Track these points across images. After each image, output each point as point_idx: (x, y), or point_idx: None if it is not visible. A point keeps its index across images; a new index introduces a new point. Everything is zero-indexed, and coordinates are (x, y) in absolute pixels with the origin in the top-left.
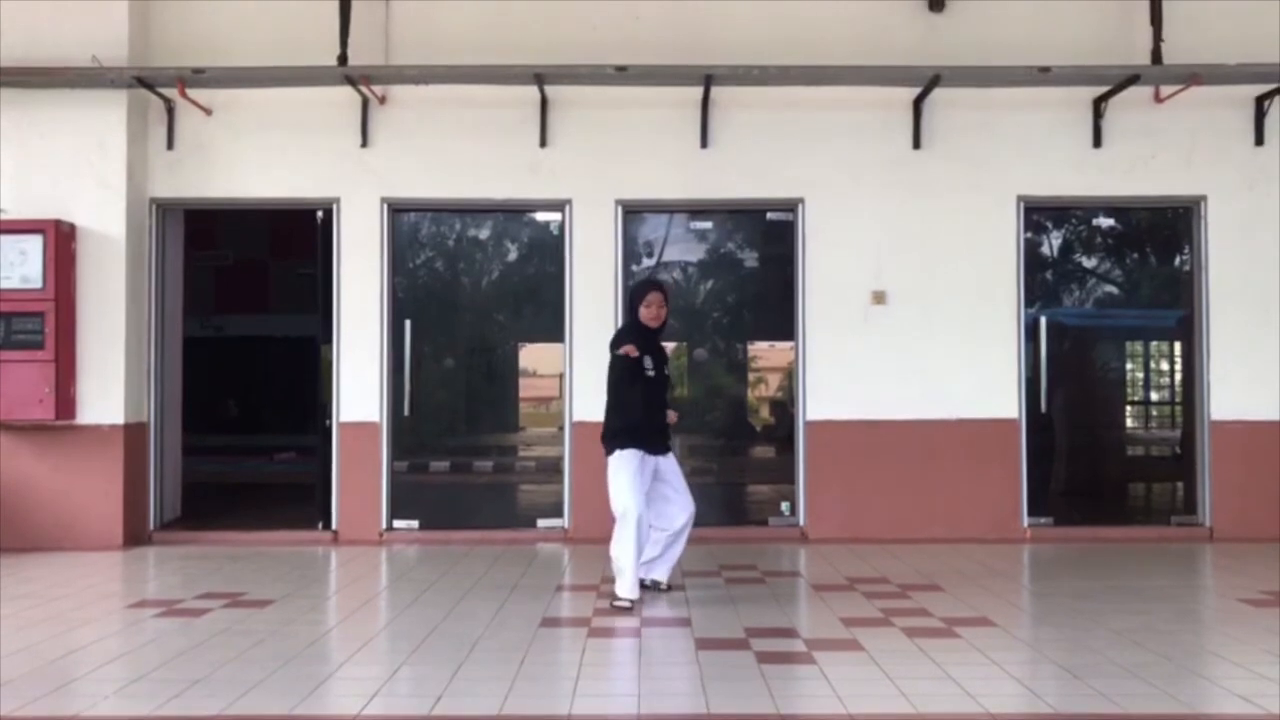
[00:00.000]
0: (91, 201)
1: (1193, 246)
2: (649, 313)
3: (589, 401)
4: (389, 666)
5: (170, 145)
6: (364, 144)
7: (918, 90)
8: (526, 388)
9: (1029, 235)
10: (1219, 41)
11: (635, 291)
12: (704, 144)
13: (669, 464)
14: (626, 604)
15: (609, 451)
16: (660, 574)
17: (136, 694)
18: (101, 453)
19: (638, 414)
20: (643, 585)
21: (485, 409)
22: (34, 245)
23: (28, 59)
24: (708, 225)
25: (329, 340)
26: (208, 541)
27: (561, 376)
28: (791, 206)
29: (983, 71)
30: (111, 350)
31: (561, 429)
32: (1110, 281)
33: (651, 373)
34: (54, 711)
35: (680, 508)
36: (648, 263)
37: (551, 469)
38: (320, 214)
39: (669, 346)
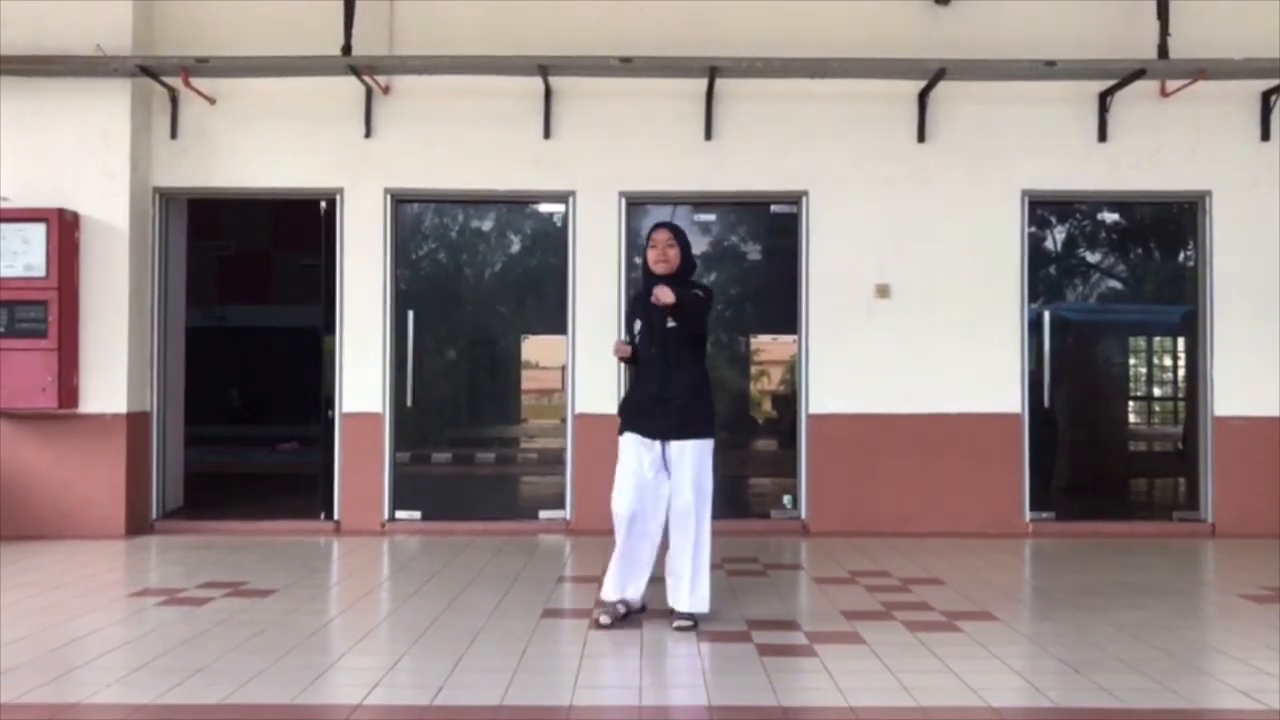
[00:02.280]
0: (95, 190)
1: (1197, 242)
2: (653, 255)
3: (591, 394)
4: (390, 657)
5: (174, 135)
6: (368, 134)
7: (922, 83)
8: (529, 380)
9: (1033, 229)
10: (1225, 37)
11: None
12: (708, 136)
13: (676, 453)
14: (605, 619)
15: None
16: (632, 592)
17: (138, 683)
18: (104, 442)
19: (629, 388)
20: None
21: (487, 401)
22: (37, 234)
23: (32, 48)
24: (711, 218)
25: (332, 331)
26: (210, 531)
27: (564, 369)
28: (795, 199)
29: (988, 65)
30: (114, 339)
31: (564, 421)
32: (1114, 276)
33: (636, 338)
34: (56, 699)
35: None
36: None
37: (554, 461)
38: (323, 204)
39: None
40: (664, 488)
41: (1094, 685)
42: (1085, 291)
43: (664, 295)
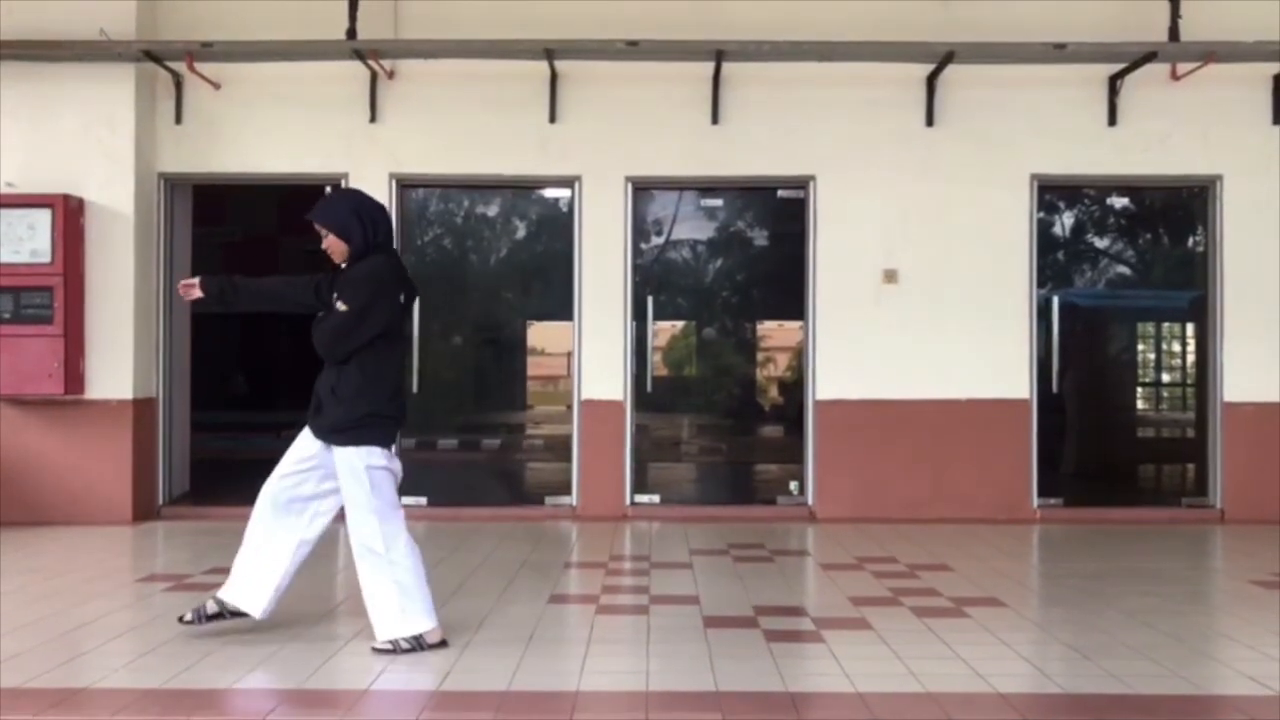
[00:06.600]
0: (100, 176)
1: (1207, 227)
2: None
3: (598, 379)
4: None
5: (179, 120)
6: (372, 119)
7: (931, 67)
8: (535, 366)
9: (1042, 214)
10: (1237, 19)
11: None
12: (715, 120)
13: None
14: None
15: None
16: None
17: (146, 667)
18: (110, 428)
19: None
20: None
21: (494, 387)
22: (43, 219)
23: (36, 32)
24: (718, 203)
25: None
26: (216, 517)
27: (570, 355)
28: (803, 184)
29: (997, 48)
30: (120, 325)
31: (570, 407)
32: (1123, 262)
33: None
34: (63, 684)
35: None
36: (657, 240)
37: (560, 447)
38: (328, 190)
39: (675, 325)
40: (305, 487)
41: (1102, 671)
42: (1094, 277)
43: (188, 290)
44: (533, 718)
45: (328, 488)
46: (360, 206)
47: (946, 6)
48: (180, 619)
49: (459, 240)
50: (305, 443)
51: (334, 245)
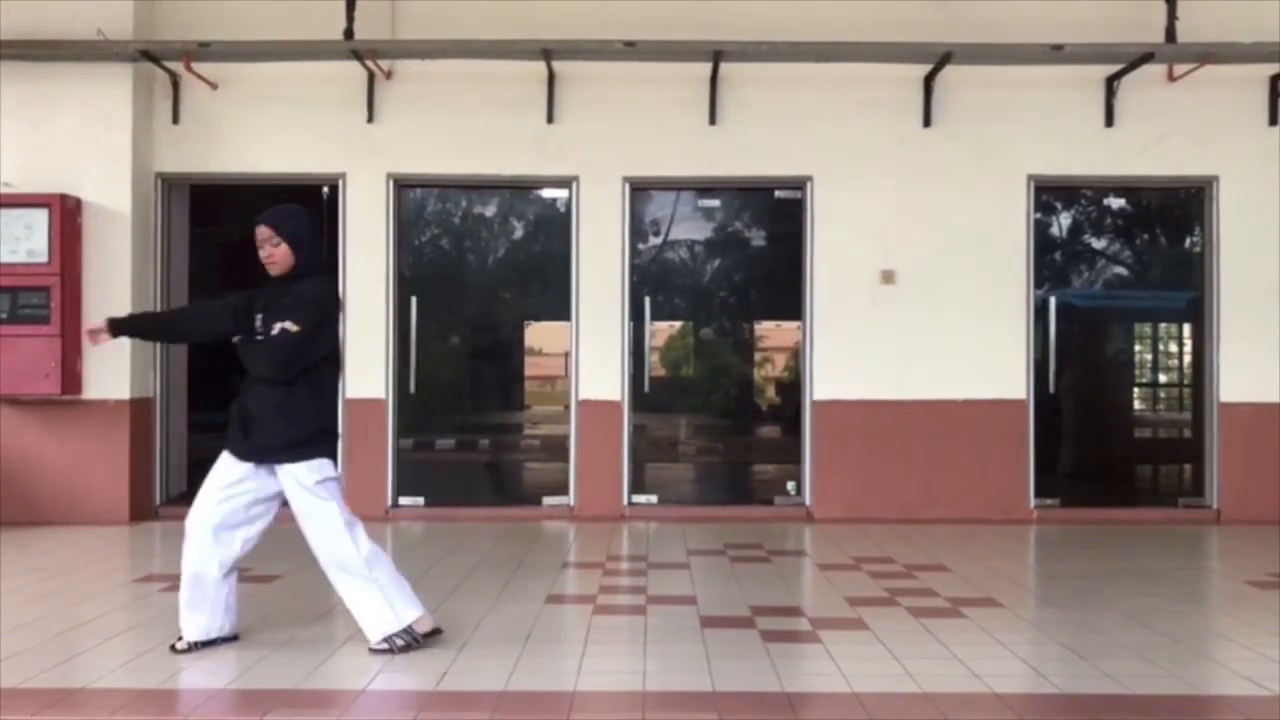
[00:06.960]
0: (97, 175)
1: (1204, 227)
2: (261, 255)
3: (595, 380)
4: None
5: (176, 120)
6: (370, 119)
7: (928, 68)
8: (532, 366)
9: (1039, 215)
10: (1234, 20)
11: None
12: (712, 121)
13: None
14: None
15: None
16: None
17: (144, 667)
18: (107, 428)
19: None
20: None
21: (491, 387)
22: (40, 219)
23: (34, 32)
24: (715, 203)
25: None
26: None
27: (567, 355)
28: (800, 184)
29: (994, 49)
30: None
31: (567, 408)
32: (1120, 263)
33: (237, 338)
34: (61, 684)
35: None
36: (654, 240)
37: (557, 447)
38: (326, 190)
39: (672, 325)
40: (236, 514)
41: (1099, 671)
42: (1091, 277)
43: (95, 336)
44: (530, 718)
45: (256, 513)
46: (311, 223)
47: (944, 7)
48: (173, 648)
49: (456, 240)
50: (229, 467)
51: (281, 256)
